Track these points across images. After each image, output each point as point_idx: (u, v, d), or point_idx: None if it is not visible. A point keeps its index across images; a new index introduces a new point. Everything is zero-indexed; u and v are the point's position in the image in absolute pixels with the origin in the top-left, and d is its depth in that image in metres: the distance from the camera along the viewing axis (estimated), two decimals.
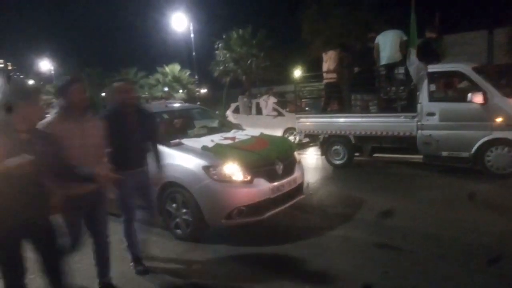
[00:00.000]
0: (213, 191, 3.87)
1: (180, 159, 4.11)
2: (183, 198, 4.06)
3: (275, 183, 4.14)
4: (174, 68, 35.54)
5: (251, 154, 4.27)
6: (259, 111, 12.24)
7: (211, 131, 5.32)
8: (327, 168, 7.78)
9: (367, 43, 7.76)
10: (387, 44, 6.90)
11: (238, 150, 4.35)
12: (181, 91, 35.42)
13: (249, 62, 28.80)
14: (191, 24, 25.37)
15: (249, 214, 3.95)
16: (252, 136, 4.98)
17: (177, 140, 4.41)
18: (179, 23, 25.72)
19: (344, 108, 7.92)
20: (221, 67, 29.48)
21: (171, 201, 4.21)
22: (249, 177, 3.97)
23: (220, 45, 28.93)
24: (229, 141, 4.58)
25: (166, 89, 35.48)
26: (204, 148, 4.22)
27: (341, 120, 7.49)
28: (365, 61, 7.42)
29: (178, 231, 4.19)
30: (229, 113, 13.29)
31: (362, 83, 7.41)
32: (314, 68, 27.48)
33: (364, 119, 7.16)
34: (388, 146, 7.32)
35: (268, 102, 11.83)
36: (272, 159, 4.31)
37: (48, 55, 46.35)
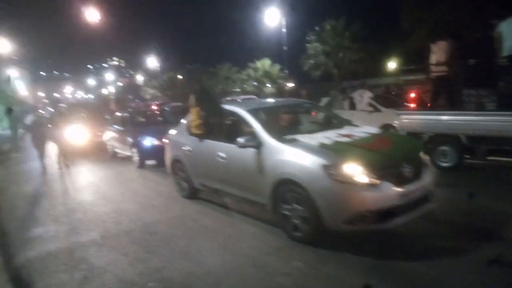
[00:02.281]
0: (334, 193, 3.56)
1: (296, 156, 3.90)
2: (299, 197, 3.84)
3: (403, 188, 3.65)
4: (265, 63, 36.18)
5: (375, 154, 3.85)
6: (352, 106, 11.74)
7: (323, 127, 4.97)
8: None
9: (487, 32, 6.82)
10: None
11: (360, 148, 3.96)
12: (269, 85, 35.96)
13: (341, 54, 27.88)
14: (284, 19, 25.42)
15: (372, 221, 3.55)
16: (372, 134, 4.52)
17: (291, 136, 4.23)
18: (272, 18, 26.00)
19: (455, 104, 7.11)
20: (312, 61, 29.08)
21: (285, 199, 4.01)
22: (374, 180, 3.57)
23: (312, 37, 28.51)
24: (346, 139, 4.20)
25: (255, 83, 36.39)
26: (323, 145, 3.93)
27: (451, 117, 6.71)
28: (482, 52, 6.55)
29: (298, 233, 3.94)
30: None
31: (478, 77, 6.56)
32: (414, 60, 25.45)
33: (479, 117, 6.31)
34: (508, 149, 6.36)
35: (364, 97, 11.27)
36: (398, 160, 3.85)
37: (154, 53, 51.14)
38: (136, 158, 9.36)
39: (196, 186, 5.69)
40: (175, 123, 10.79)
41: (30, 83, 67.86)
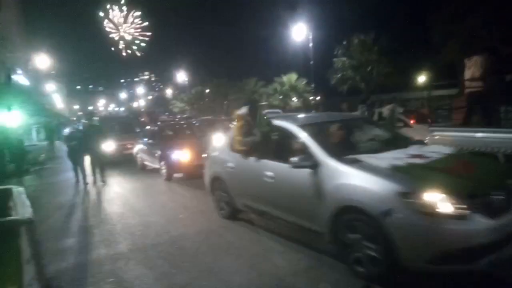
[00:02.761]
0: (414, 227, 3.00)
1: (363, 180, 3.38)
2: (367, 228, 3.31)
3: (495, 220, 3.03)
4: (291, 77, 36.36)
5: (459, 179, 3.30)
6: (380, 121, 11.48)
7: (386, 145, 4.33)
8: None
9: None
10: None
11: (440, 172, 3.40)
12: (295, 99, 35.99)
13: (369, 68, 27.59)
14: (311, 33, 25.53)
15: (459, 260, 2.97)
16: (447, 154, 3.95)
17: (353, 156, 3.73)
18: (299, 33, 26.17)
19: (491, 121, 6.80)
20: (339, 75, 28.93)
21: (348, 230, 3.50)
22: (462, 210, 2.99)
23: (339, 52, 28.44)
24: (419, 160, 3.64)
25: (280, 97, 36.52)
26: (396, 168, 3.40)
27: (487, 135, 6.42)
28: None
29: (360, 268, 3.44)
30: None
31: None
32: (446, 75, 24.77)
33: None
34: None
35: (393, 111, 10.99)
36: (487, 186, 3.25)
37: (183, 67, 52.62)
38: (164, 171, 9.52)
39: (238, 207, 5.27)
40: (203, 137, 11.07)
41: (66, 97, 71.30)
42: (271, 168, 4.42)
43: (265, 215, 4.80)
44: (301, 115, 5.72)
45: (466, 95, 7.33)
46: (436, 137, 7.21)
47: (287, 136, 4.50)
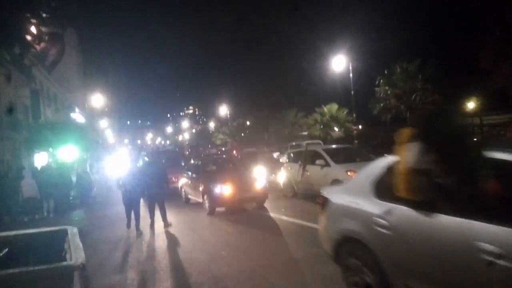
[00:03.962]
0: None
1: None
2: None
3: None
4: (332, 108, 36.11)
5: None
6: None
7: None
8: None
9: None
10: None
11: None
12: (336, 129, 35.53)
13: (413, 97, 26.80)
14: (350, 64, 25.52)
15: None
16: None
17: None
18: (339, 64, 26.27)
19: None
20: (382, 104, 28.35)
21: None
22: None
23: (381, 81, 28.03)
24: None
25: (321, 127, 36.27)
26: None
27: None
28: None
29: None
30: None
31: None
32: (497, 100, 23.39)
33: None
34: None
35: None
36: None
37: (225, 101, 54.45)
38: (207, 204, 9.66)
39: None
40: (245, 170, 11.18)
41: (117, 131, 75.96)
42: (493, 238, 2.41)
43: None
44: None
45: None
46: None
47: None
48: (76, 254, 2.49)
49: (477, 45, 22.10)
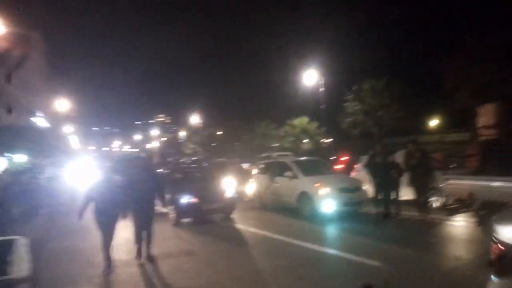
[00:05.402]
0: None
1: None
2: None
3: None
4: (302, 121, 36.72)
5: None
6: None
7: None
8: (486, 242, 6.32)
9: None
10: None
11: None
12: (306, 141, 36.13)
13: (380, 113, 27.74)
14: (322, 79, 26.10)
15: None
16: None
17: None
18: (310, 78, 26.79)
19: (508, 169, 6.61)
20: (350, 119, 29.12)
21: None
22: None
23: (350, 96, 28.84)
24: None
25: (292, 139, 36.75)
26: None
27: (505, 184, 6.20)
28: None
29: None
30: (359, 167, 12.68)
31: None
32: (459, 119, 24.63)
33: None
34: None
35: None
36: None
37: (196, 110, 53.92)
38: (172, 215, 9.39)
39: None
40: (214, 180, 10.96)
41: (83, 138, 73.20)
42: None
43: None
44: None
45: (479, 143, 7.22)
46: (450, 185, 7.01)
47: None
48: (21, 266, 2.29)
49: (441, 67, 23.24)
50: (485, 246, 6.06)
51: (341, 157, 18.19)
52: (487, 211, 6.38)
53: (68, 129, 47.06)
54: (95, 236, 8.04)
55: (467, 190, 6.69)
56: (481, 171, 7.00)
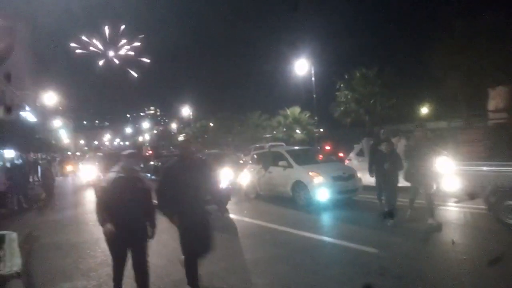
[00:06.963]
0: None
1: None
2: None
3: None
4: (294, 111, 36.69)
5: None
6: None
7: None
8: (498, 229, 6.09)
9: None
10: None
11: None
12: (298, 131, 36.14)
13: (372, 101, 27.83)
14: (313, 68, 26.03)
15: None
16: None
17: None
18: (301, 68, 26.69)
19: None
20: (342, 108, 29.17)
21: None
22: None
23: (341, 86, 28.84)
24: None
25: (284, 130, 36.75)
26: None
27: None
28: None
29: None
30: (352, 155, 12.70)
31: None
32: (449, 106, 24.81)
33: None
34: None
35: (399, 145, 10.86)
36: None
37: (188, 102, 53.59)
38: None
39: None
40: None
41: (73, 132, 72.22)
42: None
43: None
44: None
45: (484, 127, 6.98)
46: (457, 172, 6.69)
47: None
48: (11, 262, 2.21)
49: (429, 54, 23.32)
50: (491, 233, 6.00)
51: (325, 147, 18.42)
52: (498, 198, 6.15)
53: (56, 123, 46.35)
54: (88, 231, 7.96)
55: (477, 176, 6.46)
56: (490, 155, 6.77)
